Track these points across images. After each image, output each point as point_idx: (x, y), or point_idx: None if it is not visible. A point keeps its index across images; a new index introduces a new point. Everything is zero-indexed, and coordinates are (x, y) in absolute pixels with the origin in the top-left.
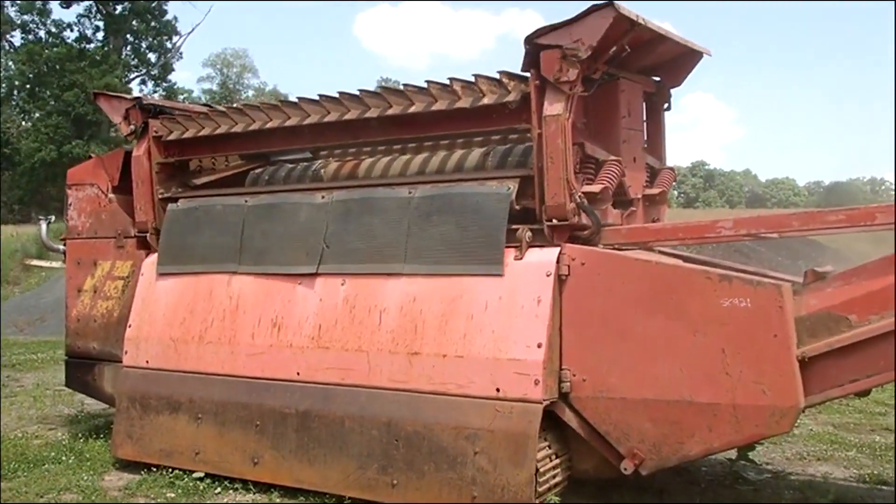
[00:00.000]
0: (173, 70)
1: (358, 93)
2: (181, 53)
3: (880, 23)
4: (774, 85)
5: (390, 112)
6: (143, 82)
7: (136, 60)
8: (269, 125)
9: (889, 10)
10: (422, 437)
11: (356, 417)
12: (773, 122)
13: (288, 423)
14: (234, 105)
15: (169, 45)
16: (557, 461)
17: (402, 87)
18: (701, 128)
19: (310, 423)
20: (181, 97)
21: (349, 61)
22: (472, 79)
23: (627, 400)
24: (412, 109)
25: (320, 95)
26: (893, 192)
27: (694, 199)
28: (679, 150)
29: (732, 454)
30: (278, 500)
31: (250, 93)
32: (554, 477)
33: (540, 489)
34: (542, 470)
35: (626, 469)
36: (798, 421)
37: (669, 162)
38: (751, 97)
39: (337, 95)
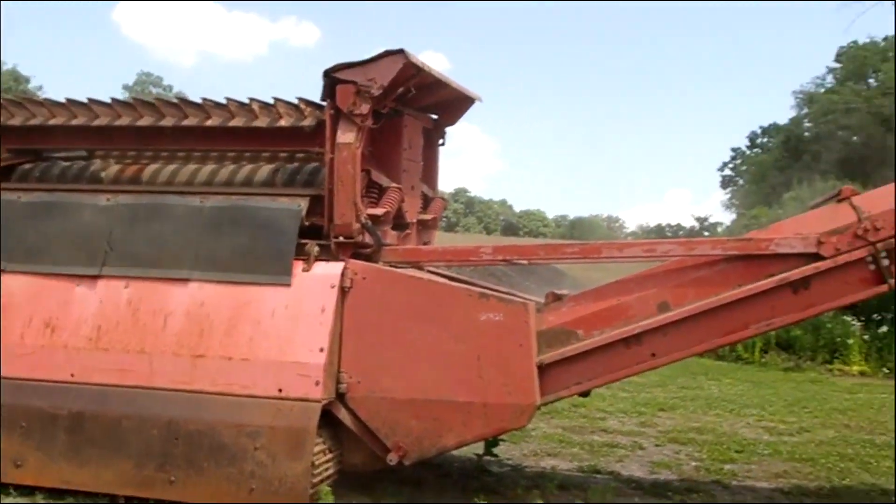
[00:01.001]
0: None
1: (154, 101)
2: None
3: (625, 72)
4: (534, 124)
5: (186, 123)
6: None
7: None
8: (52, 122)
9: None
10: (203, 435)
11: (135, 417)
12: (530, 157)
13: (58, 425)
14: (12, 97)
15: None
16: (331, 455)
17: (200, 101)
18: (465, 157)
19: (83, 424)
20: None
21: (106, 48)
22: (271, 100)
23: (396, 399)
24: (209, 123)
25: (113, 99)
26: (626, 229)
27: (455, 223)
28: (443, 177)
29: (480, 450)
30: (42, 502)
31: None
32: (327, 469)
33: (314, 480)
34: (317, 463)
35: (391, 460)
36: (534, 424)
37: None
38: (512, 133)
39: (130, 100)
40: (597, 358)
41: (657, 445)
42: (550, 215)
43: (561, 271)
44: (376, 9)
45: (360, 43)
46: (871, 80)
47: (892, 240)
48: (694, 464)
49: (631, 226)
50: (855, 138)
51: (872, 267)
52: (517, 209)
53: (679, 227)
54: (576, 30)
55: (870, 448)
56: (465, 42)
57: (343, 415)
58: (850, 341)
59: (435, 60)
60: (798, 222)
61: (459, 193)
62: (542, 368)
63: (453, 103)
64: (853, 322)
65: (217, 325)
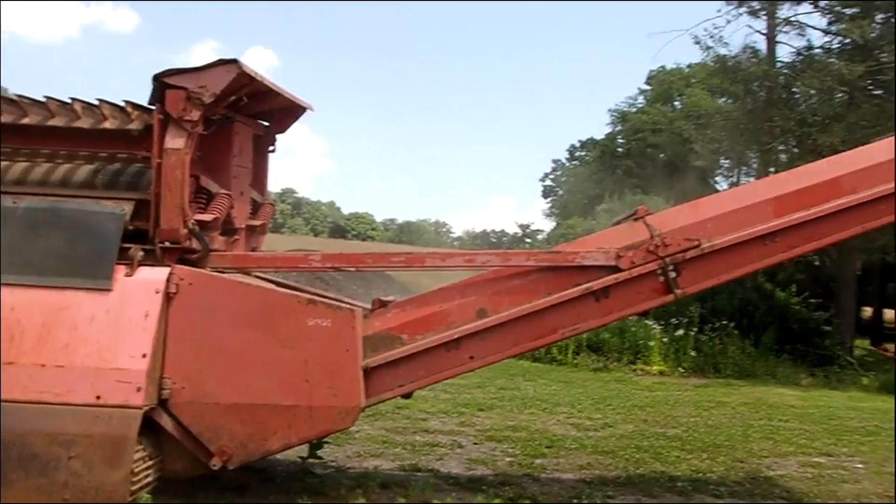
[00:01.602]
0: None
1: None
2: None
3: (456, 78)
4: (364, 125)
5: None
6: None
7: None
8: None
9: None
10: (11, 445)
11: None
12: (359, 159)
13: None
14: None
15: None
16: (151, 462)
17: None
18: (293, 157)
19: None
20: None
21: None
22: (95, 101)
23: (221, 404)
24: (25, 121)
25: None
26: (453, 234)
27: (281, 224)
28: (270, 177)
29: (304, 453)
30: None
31: None
32: (147, 476)
33: (134, 488)
34: (136, 470)
35: (215, 465)
36: (358, 426)
37: None
38: (341, 133)
39: None
40: (419, 361)
41: (475, 443)
42: (379, 218)
43: (390, 276)
44: (205, 2)
45: (183, 33)
46: (676, 103)
47: (679, 255)
48: (508, 459)
49: (458, 231)
50: (662, 156)
51: (662, 279)
52: (346, 211)
53: (503, 233)
54: (408, 32)
55: (663, 440)
56: (294, 39)
57: (165, 421)
58: (651, 343)
59: (262, 57)
60: (600, 238)
61: (287, 194)
62: (368, 372)
63: (285, 111)
64: (654, 326)
65: (29, 330)
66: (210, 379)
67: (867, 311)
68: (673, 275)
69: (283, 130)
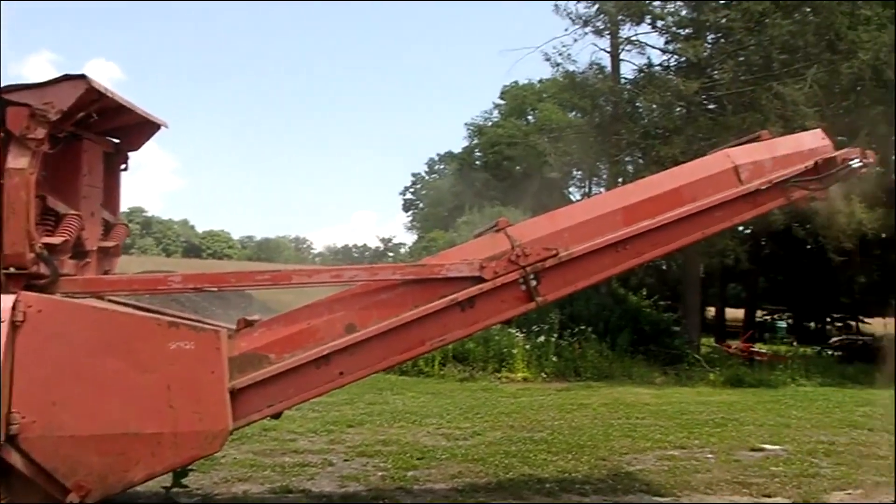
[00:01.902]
0: None
1: None
2: None
3: (311, 94)
4: (217, 141)
5: None
6: None
7: None
8: None
9: None
10: None
11: None
12: (213, 175)
13: None
14: None
15: None
16: None
17: None
18: (141, 173)
19: None
20: None
21: None
22: None
23: (77, 437)
24: None
25: None
26: (314, 250)
27: (130, 245)
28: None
29: (168, 483)
30: None
31: None
32: None
33: None
34: None
35: (71, 501)
36: (225, 451)
37: None
38: (194, 149)
39: None
40: (288, 380)
41: (346, 460)
42: (236, 236)
43: (249, 295)
44: (40, 9)
45: (17, 42)
46: (529, 117)
47: (539, 264)
48: (380, 474)
49: (319, 247)
50: (518, 168)
51: (524, 287)
52: (200, 230)
53: (365, 247)
54: (262, 44)
55: (530, 444)
56: (139, 51)
57: (14, 458)
58: (515, 351)
59: (105, 69)
60: (464, 250)
61: (135, 213)
62: (235, 393)
63: (137, 128)
64: (517, 334)
65: None
66: (64, 410)
67: (711, 311)
68: (534, 283)
69: (135, 148)
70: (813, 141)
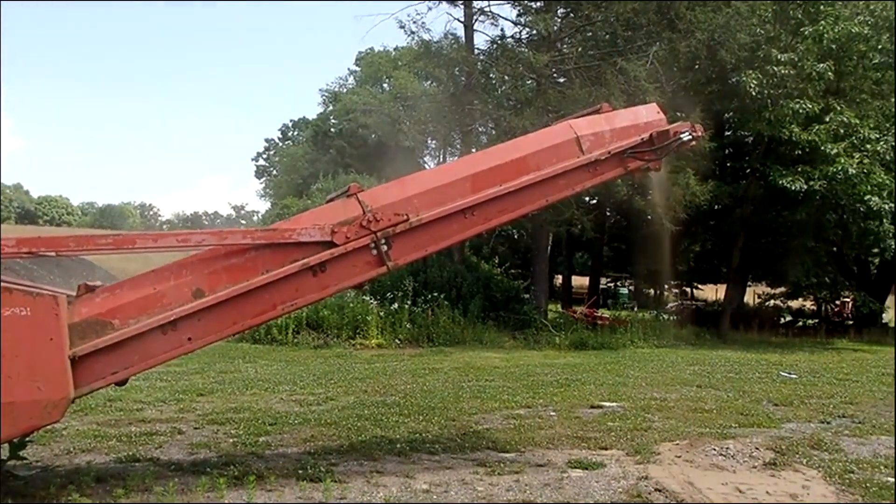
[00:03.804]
0: None
1: None
2: None
3: (159, 56)
4: (56, 100)
5: None
6: None
7: None
8: None
9: None
10: None
11: None
12: (51, 137)
13: None
14: None
15: None
16: None
17: None
18: None
19: None
20: None
21: None
22: None
23: None
24: None
25: None
26: (161, 217)
27: None
28: None
29: (5, 455)
30: None
31: None
32: None
33: None
34: None
35: None
36: (65, 422)
37: None
38: (30, 108)
39: None
40: (133, 346)
41: (196, 428)
42: (76, 202)
43: (92, 263)
44: None
45: None
46: (385, 85)
47: (390, 229)
48: (232, 440)
49: (167, 214)
50: (373, 136)
51: (375, 252)
52: (35, 195)
53: (217, 214)
54: (113, 4)
55: (382, 408)
56: None
57: None
58: (369, 318)
59: None
60: (316, 214)
61: None
62: (76, 361)
63: None
64: (371, 301)
65: None
66: None
67: (560, 279)
68: (385, 248)
69: None
70: (648, 114)
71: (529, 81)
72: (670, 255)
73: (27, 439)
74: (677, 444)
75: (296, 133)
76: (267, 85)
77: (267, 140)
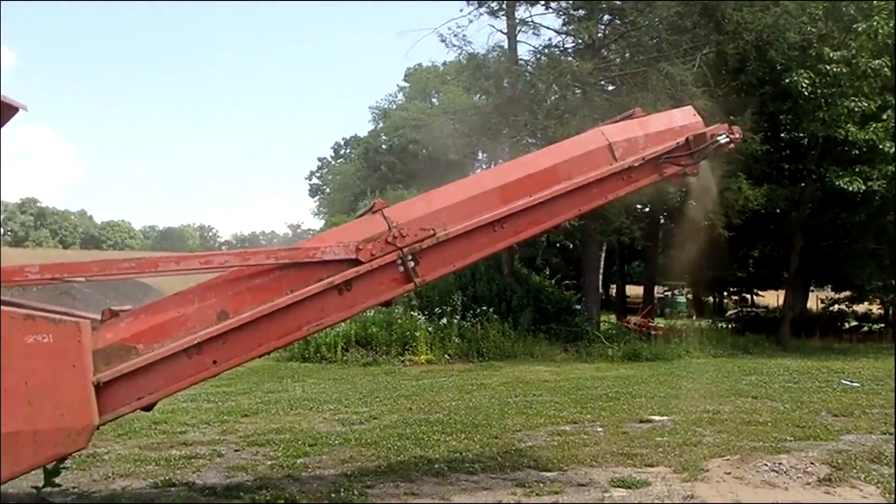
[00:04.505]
0: None
1: None
2: None
3: (215, 80)
4: (118, 129)
5: None
6: None
7: None
8: None
9: None
10: None
11: None
12: (114, 164)
13: None
14: None
15: None
16: None
17: None
18: (35, 162)
19: None
20: None
21: None
22: None
23: None
24: None
25: None
26: (220, 238)
27: (24, 238)
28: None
29: (40, 482)
30: None
31: None
32: None
33: None
34: None
35: None
36: (107, 446)
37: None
38: (93, 137)
39: None
40: (158, 370)
41: (236, 450)
42: (138, 226)
43: (148, 285)
44: None
45: None
46: (434, 100)
47: (416, 244)
48: (269, 462)
49: (225, 234)
50: (423, 151)
51: (401, 269)
52: (99, 220)
53: (273, 234)
54: (162, 33)
55: (424, 426)
56: (35, 38)
57: None
58: (418, 334)
59: None
60: (341, 232)
61: (28, 204)
62: (101, 387)
63: None
64: (419, 316)
65: None
66: None
67: (614, 289)
68: (412, 264)
69: None
70: (684, 118)
71: (576, 91)
72: (727, 261)
73: (61, 466)
74: (728, 459)
75: (348, 151)
76: (321, 104)
77: (320, 159)
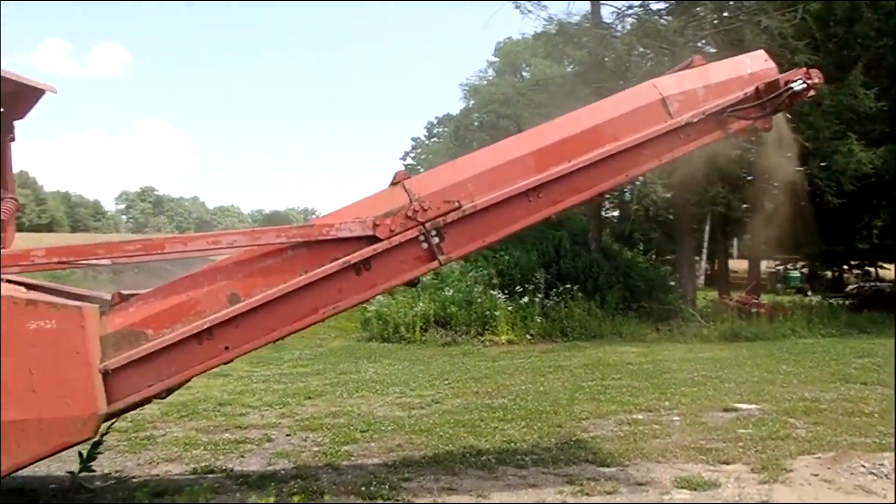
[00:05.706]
0: None
1: None
2: None
3: (312, 69)
4: (230, 119)
5: None
6: None
7: None
8: None
9: None
10: None
11: None
12: (225, 151)
13: None
14: None
15: None
16: None
17: None
18: (153, 154)
19: None
20: None
21: None
22: None
23: None
24: None
25: None
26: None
27: (143, 224)
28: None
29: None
30: None
31: None
32: None
33: None
34: None
35: None
36: (165, 428)
37: (122, 186)
38: (208, 126)
39: None
40: (168, 356)
41: (287, 435)
42: (246, 210)
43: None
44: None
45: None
46: (525, 74)
47: (440, 219)
48: (315, 449)
49: None
50: (514, 126)
51: (425, 245)
52: (210, 206)
53: None
54: (269, 24)
55: (485, 412)
56: (148, 34)
57: None
58: (498, 313)
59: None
60: (359, 207)
61: (146, 192)
62: (109, 374)
63: (19, 96)
64: (499, 295)
65: None
66: None
67: (716, 264)
68: (436, 240)
69: (20, 117)
70: (754, 64)
71: (666, 53)
72: (846, 232)
73: (96, 451)
74: (818, 457)
75: (441, 129)
76: (413, 84)
77: (413, 139)
